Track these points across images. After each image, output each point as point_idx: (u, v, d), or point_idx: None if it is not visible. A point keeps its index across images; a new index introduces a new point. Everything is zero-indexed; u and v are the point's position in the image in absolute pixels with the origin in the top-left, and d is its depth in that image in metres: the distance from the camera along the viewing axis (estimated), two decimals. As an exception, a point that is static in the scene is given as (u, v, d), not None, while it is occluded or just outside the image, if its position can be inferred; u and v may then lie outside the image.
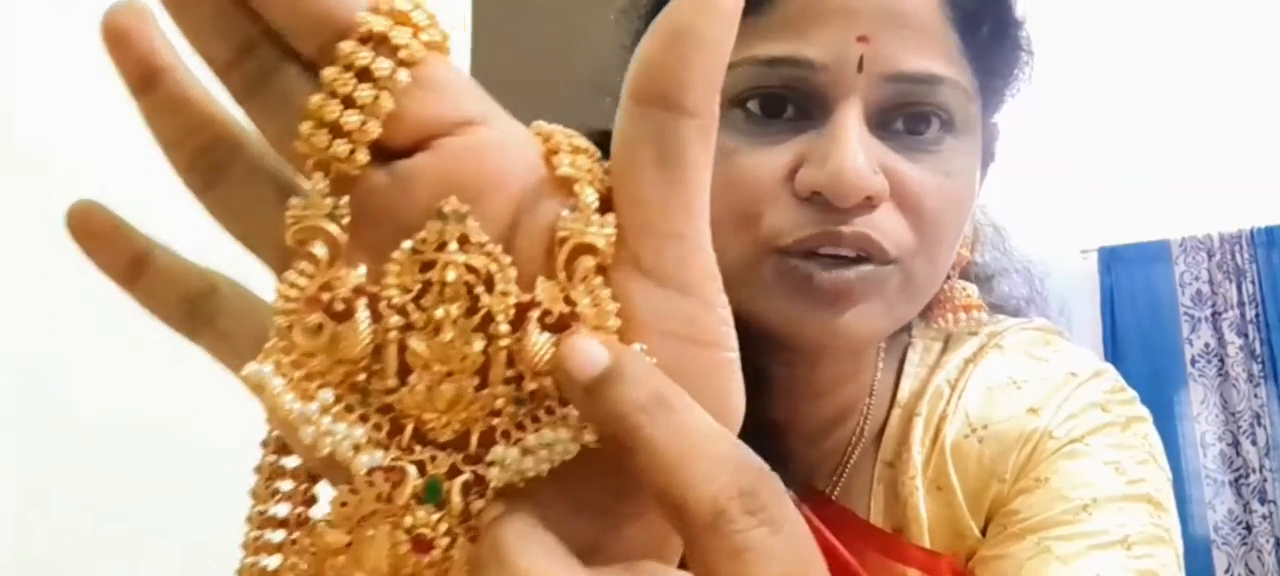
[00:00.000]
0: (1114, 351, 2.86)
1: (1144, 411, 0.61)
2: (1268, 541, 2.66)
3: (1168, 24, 2.79)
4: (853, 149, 0.49)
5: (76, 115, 0.90)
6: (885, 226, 0.51)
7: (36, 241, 0.83)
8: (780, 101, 0.52)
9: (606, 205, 0.24)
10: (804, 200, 0.50)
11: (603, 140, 0.72)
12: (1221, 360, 2.79)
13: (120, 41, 0.24)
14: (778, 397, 0.57)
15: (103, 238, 0.26)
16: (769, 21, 0.51)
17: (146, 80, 0.24)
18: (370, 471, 0.23)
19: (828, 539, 0.56)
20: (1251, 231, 2.81)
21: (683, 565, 0.24)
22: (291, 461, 0.26)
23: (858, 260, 0.51)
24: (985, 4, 0.53)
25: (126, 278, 0.27)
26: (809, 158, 0.50)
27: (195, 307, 0.26)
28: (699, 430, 0.22)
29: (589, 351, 0.22)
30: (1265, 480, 2.68)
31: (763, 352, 0.53)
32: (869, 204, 0.50)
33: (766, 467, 0.22)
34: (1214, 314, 2.82)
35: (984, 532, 0.58)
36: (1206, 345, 2.82)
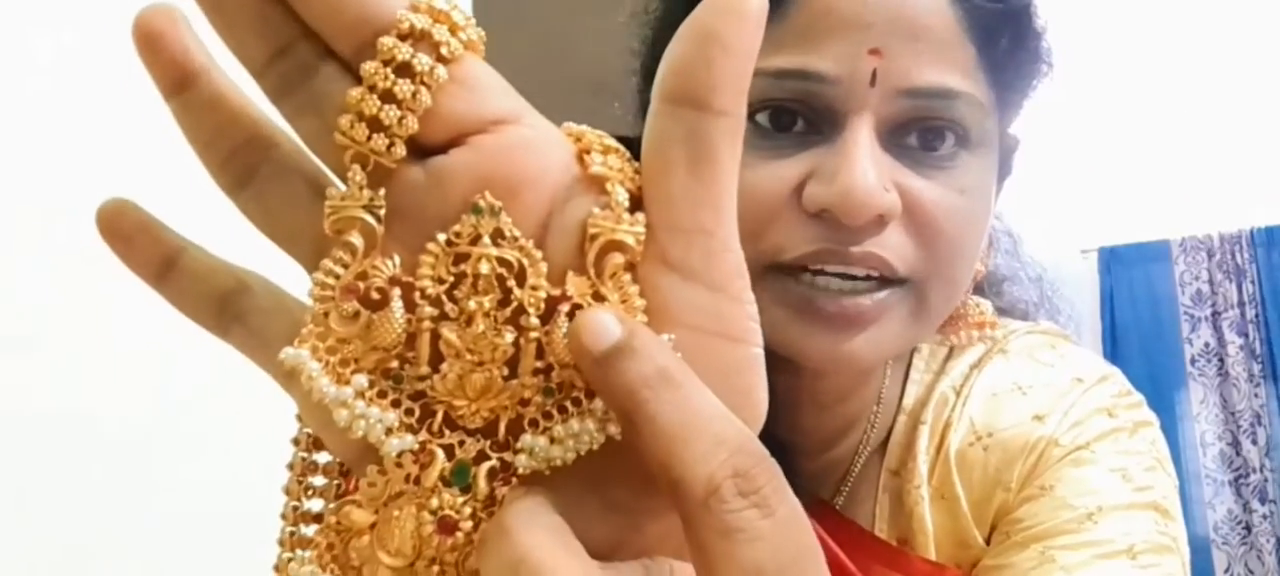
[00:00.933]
0: (1114, 351, 2.85)
1: (1151, 416, 0.60)
2: (1268, 541, 2.66)
3: (1167, 24, 2.79)
4: (863, 165, 0.47)
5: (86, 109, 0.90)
6: (896, 245, 0.49)
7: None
8: (790, 115, 0.50)
9: (636, 204, 0.24)
10: (811, 216, 0.49)
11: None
12: (1221, 360, 2.78)
13: (152, 43, 0.24)
14: (782, 408, 0.56)
15: (133, 237, 0.26)
16: (780, 32, 0.50)
17: (180, 83, 0.24)
18: (400, 454, 0.24)
19: (833, 550, 0.55)
20: (1251, 231, 2.80)
21: None
22: (324, 457, 0.27)
23: (870, 282, 0.50)
24: (1004, 15, 0.52)
25: (156, 277, 0.27)
26: (817, 173, 0.49)
27: (225, 305, 0.27)
28: (702, 409, 0.22)
29: (603, 323, 0.23)
30: (1266, 480, 2.68)
31: (767, 363, 0.53)
32: (880, 222, 0.49)
33: (767, 454, 0.23)
34: (1214, 314, 2.81)
35: (988, 541, 0.58)
36: (1206, 345, 2.81)
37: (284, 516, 0.27)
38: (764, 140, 0.50)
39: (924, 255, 0.50)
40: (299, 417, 0.27)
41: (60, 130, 0.89)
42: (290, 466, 0.27)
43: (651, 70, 0.58)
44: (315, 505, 0.27)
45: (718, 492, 0.21)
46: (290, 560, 0.26)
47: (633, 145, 0.70)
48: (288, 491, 0.27)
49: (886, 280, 0.50)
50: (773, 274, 0.50)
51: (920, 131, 0.50)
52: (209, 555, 0.96)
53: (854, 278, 0.49)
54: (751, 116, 0.51)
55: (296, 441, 0.27)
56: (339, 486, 0.27)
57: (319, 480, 0.27)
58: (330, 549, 0.25)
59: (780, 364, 0.52)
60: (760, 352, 0.25)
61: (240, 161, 0.25)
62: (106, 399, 0.92)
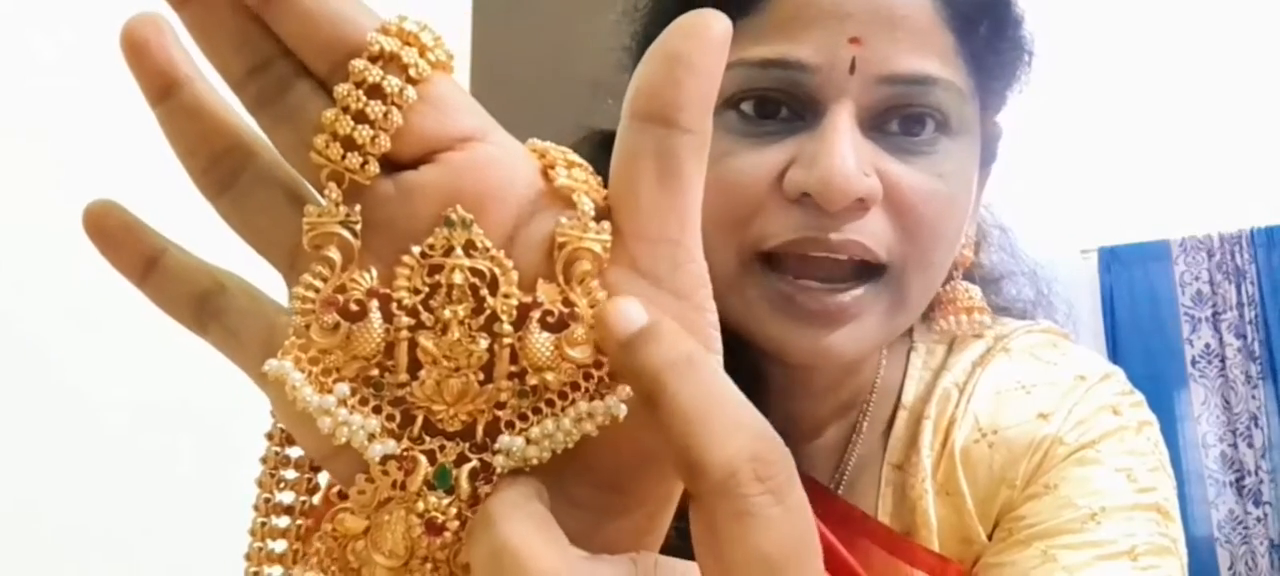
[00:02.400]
0: (1115, 352, 2.85)
1: (1152, 415, 0.60)
2: (1261, 543, 2.66)
3: (1167, 24, 2.79)
4: (842, 151, 0.48)
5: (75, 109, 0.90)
6: (876, 231, 0.50)
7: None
8: (773, 103, 0.51)
9: (600, 215, 0.26)
10: (794, 202, 0.50)
11: (605, 140, 0.71)
12: (1222, 361, 2.78)
13: (139, 52, 0.25)
14: (775, 396, 0.57)
15: (118, 237, 0.27)
16: (762, 23, 0.51)
17: (164, 90, 0.25)
18: (384, 459, 0.25)
19: (826, 537, 0.56)
20: (1251, 231, 2.81)
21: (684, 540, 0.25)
22: (295, 452, 0.28)
23: (850, 276, 0.50)
24: (982, 4, 0.53)
25: (139, 276, 0.28)
26: (799, 159, 0.50)
27: (203, 305, 0.28)
28: (723, 394, 0.23)
29: (628, 309, 0.24)
30: (1261, 481, 2.68)
31: (757, 352, 0.53)
32: (861, 207, 0.49)
33: (782, 443, 0.23)
34: (1214, 314, 2.82)
35: (990, 538, 0.58)
36: (1207, 346, 2.81)
37: (256, 508, 0.28)
38: (748, 128, 0.51)
39: (904, 240, 0.51)
40: (273, 413, 0.28)
41: (61, 131, 0.89)
42: (263, 460, 0.28)
43: None
44: (287, 498, 0.28)
45: (736, 476, 0.22)
46: (261, 549, 0.28)
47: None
48: (260, 484, 0.28)
49: (867, 268, 0.51)
50: (758, 265, 0.51)
51: (901, 118, 0.51)
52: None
53: (837, 262, 0.50)
54: (736, 105, 0.51)
55: (270, 436, 0.28)
56: (309, 480, 0.28)
57: (290, 474, 0.28)
58: (330, 553, 0.26)
59: (769, 353, 0.52)
60: (719, 359, 0.26)
61: (221, 168, 0.26)
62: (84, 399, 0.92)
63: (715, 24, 0.24)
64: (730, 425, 0.23)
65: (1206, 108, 2.78)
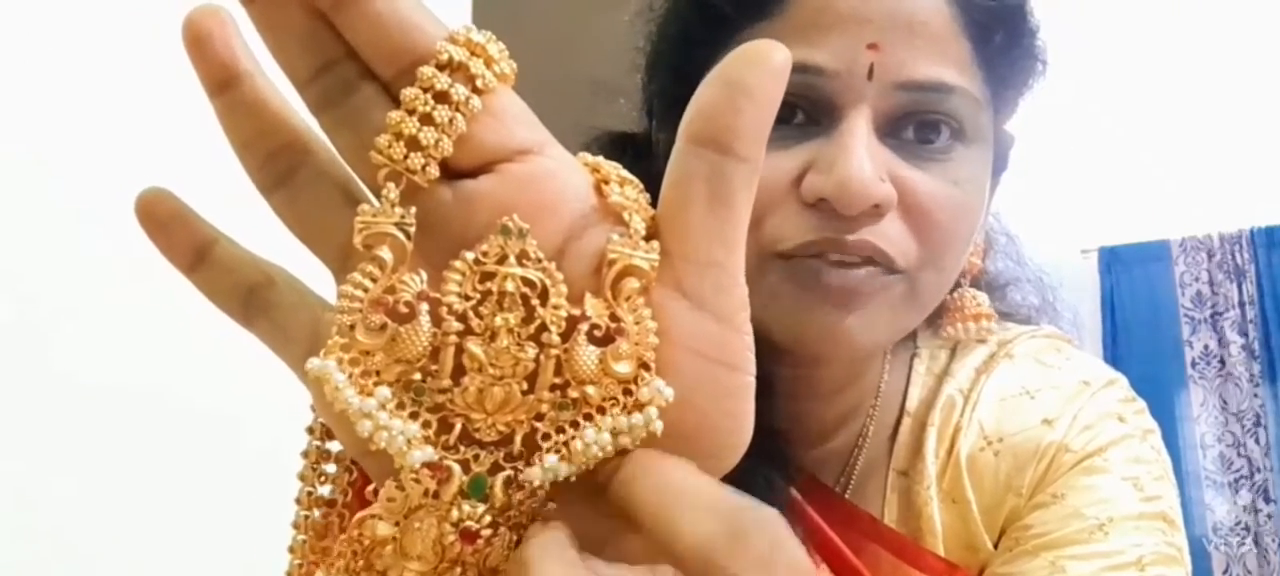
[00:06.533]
0: (1115, 352, 2.85)
1: (1154, 423, 0.61)
2: (1272, 540, 2.66)
3: (1168, 24, 2.79)
4: (860, 157, 0.48)
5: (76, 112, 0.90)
6: (892, 235, 0.50)
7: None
8: (790, 107, 0.51)
9: (648, 234, 0.26)
10: (810, 207, 0.50)
11: (609, 141, 0.70)
12: (1222, 361, 2.78)
13: (201, 44, 0.25)
14: (782, 399, 0.57)
15: (169, 226, 0.28)
16: (780, 27, 0.51)
17: (225, 83, 0.26)
18: (418, 468, 0.25)
19: (830, 537, 0.56)
20: (1251, 231, 2.80)
21: None
22: (336, 446, 0.29)
23: (865, 263, 0.50)
24: (998, 13, 0.53)
25: (189, 265, 0.28)
26: (816, 164, 0.50)
27: (251, 298, 0.28)
28: (684, 483, 0.24)
29: None
30: (1268, 480, 2.68)
31: (767, 356, 0.53)
32: (876, 212, 0.49)
33: (765, 510, 0.24)
34: (1214, 315, 2.81)
35: (996, 545, 0.58)
36: (1207, 347, 2.81)
37: (298, 500, 0.29)
38: None
39: (919, 245, 0.51)
40: (313, 408, 0.28)
41: (63, 129, 0.89)
42: (305, 454, 0.29)
43: (655, 67, 0.59)
44: (326, 490, 0.29)
45: (711, 561, 0.22)
46: (304, 541, 0.28)
47: (636, 142, 0.69)
48: (302, 477, 0.29)
49: (881, 267, 0.51)
50: (773, 260, 0.51)
51: (916, 124, 0.51)
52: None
53: (850, 265, 0.50)
54: None
55: (310, 430, 0.29)
56: (350, 475, 0.29)
57: (331, 467, 0.29)
58: (356, 558, 0.26)
59: (779, 355, 0.52)
60: (752, 380, 0.27)
61: (278, 164, 0.26)
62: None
63: (776, 55, 0.25)
64: (696, 509, 0.23)
65: (1206, 108, 2.78)
